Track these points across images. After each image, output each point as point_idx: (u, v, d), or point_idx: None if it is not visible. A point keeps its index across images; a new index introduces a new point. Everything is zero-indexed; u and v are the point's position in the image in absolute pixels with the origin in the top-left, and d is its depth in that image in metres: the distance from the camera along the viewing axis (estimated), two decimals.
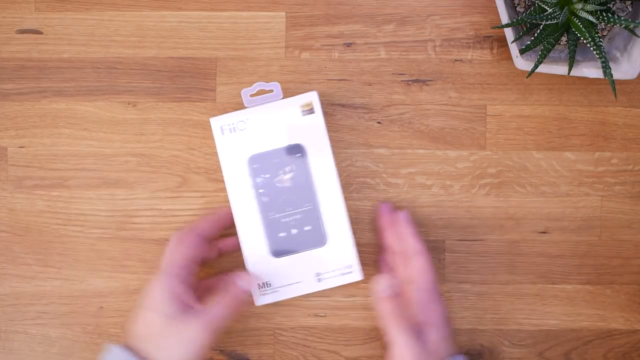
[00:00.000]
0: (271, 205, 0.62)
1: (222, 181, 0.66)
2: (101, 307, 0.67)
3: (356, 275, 0.63)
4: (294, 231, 0.62)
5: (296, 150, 0.62)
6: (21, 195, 0.67)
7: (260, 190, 0.62)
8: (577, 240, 0.67)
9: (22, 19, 0.66)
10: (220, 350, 0.67)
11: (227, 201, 0.66)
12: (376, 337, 0.67)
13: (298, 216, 0.62)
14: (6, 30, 0.66)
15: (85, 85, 0.66)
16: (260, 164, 0.62)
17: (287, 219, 0.62)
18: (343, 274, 0.63)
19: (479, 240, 0.67)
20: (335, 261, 0.63)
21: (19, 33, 0.66)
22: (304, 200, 0.62)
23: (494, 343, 0.67)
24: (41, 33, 0.66)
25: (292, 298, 0.67)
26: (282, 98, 0.63)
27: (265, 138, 0.62)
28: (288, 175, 0.62)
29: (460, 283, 0.67)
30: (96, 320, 0.67)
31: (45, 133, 0.66)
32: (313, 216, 0.62)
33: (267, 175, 0.62)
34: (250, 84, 0.66)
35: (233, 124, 0.62)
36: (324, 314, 0.67)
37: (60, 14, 0.66)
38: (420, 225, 0.67)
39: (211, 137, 0.66)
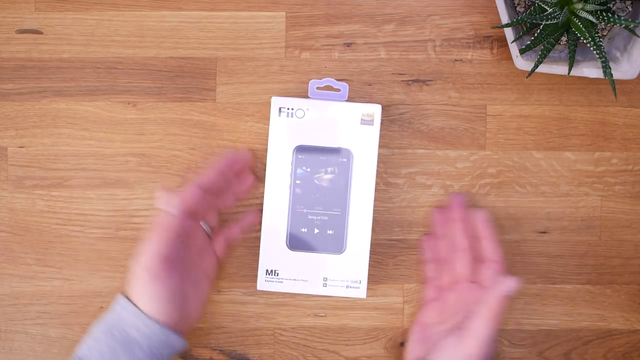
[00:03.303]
0: (302, 199, 0.63)
1: None
2: (101, 307, 0.67)
3: (362, 292, 0.63)
4: (316, 231, 0.63)
5: (344, 154, 0.62)
6: (21, 195, 0.66)
7: (297, 182, 0.62)
8: (577, 240, 0.67)
9: (22, 19, 0.66)
10: (220, 350, 0.67)
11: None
12: (376, 337, 0.67)
13: (325, 218, 0.63)
14: (6, 30, 0.66)
15: (85, 85, 0.66)
16: (305, 155, 0.62)
17: (313, 217, 0.63)
18: (349, 287, 0.63)
19: None
20: (345, 272, 0.63)
21: (19, 33, 0.66)
22: (335, 205, 0.63)
23: (494, 343, 0.67)
24: (41, 33, 0.66)
25: (293, 297, 0.67)
26: (344, 100, 0.63)
27: (318, 133, 0.62)
28: (328, 176, 0.62)
29: None
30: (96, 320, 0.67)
31: (45, 133, 0.66)
32: (339, 223, 0.63)
33: (308, 169, 0.62)
34: (250, 83, 0.66)
35: (293, 109, 0.62)
36: (324, 314, 0.67)
37: (60, 14, 0.66)
38: (421, 225, 0.67)
39: (211, 137, 0.66)
